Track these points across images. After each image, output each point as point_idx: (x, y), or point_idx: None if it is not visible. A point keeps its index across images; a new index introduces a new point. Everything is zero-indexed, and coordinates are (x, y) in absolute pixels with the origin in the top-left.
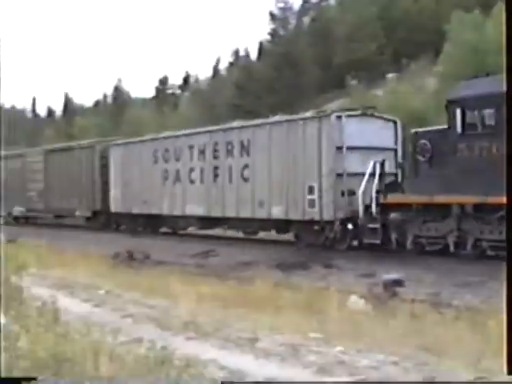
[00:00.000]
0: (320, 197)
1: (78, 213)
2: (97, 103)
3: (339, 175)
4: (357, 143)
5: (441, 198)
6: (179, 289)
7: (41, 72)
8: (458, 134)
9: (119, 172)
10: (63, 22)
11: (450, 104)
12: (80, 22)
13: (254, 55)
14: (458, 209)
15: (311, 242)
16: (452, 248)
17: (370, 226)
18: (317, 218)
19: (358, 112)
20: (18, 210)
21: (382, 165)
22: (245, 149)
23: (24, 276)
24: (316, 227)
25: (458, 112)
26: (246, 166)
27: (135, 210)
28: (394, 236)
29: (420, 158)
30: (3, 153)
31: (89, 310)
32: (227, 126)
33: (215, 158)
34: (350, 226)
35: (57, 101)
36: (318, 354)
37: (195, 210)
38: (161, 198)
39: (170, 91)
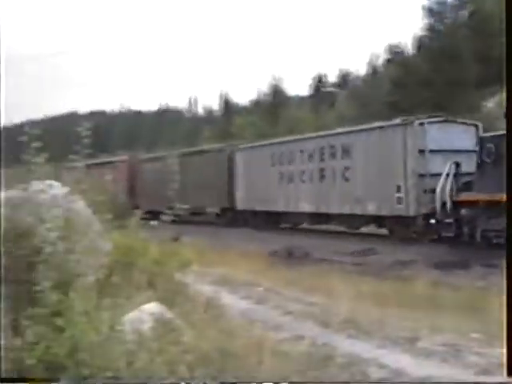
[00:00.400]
0: (406, 195)
1: (208, 209)
2: (254, 102)
3: (422, 175)
4: (438, 147)
5: (498, 196)
6: (338, 286)
7: (200, 71)
8: None
9: (243, 173)
10: (220, 21)
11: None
12: (237, 21)
13: (409, 51)
14: None
15: (401, 236)
16: None
17: (446, 220)
18: (403, 213)
19: (440, 118)
20: (181, 208)
21: (457, 166)
22: (346, 152)
23: (187, 273)
24: (403, 222)
25: None
26: (347, 167)
27: (257, 208)
28: (465, 230)
29: (487, 159)
30: (150, 155)
31: (250, 307)
32: (330, 132)
33: (321, 160)
34: (432, 221)
35: (215, 100)
36: (479, 355)
37: (306, 207)
38: (277, 196)
39: (326, 89)
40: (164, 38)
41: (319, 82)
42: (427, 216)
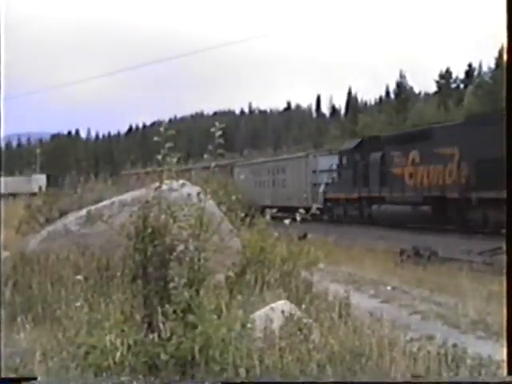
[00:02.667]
0: (307, 195)
1: None
2: (380, 99)
3: (315, 184)
4: (324, 167)
5: (340, 195)
6: (467, 286)
7: (324, 70)
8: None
9: (240, 181)
10: (343, 17)
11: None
12: (361, 18)
13: None
14: (343, 200)
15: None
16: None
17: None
18: (307, 205)
19: (325, 152)
20: (315, 207)
21: (327, 178)
22: (283, 170)
23: (314, 271)
24: (308, 211)
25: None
26: (284, 179)
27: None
28: (329, 214)
29: (339, 175)
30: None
31: (376, 306)
32: (278, 158)
33: (273, 174)
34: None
35: (340, 99)
36: None
37: (268, 202)
38: (255, 195)
39: (453, 85)
40: (290, 32)
41: (444, 78)
42: (318, 208)
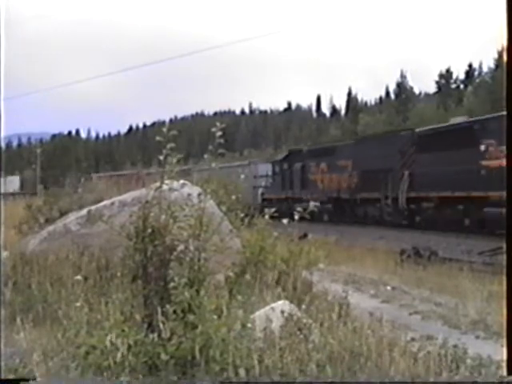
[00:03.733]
0: (249, 195)
1: None
2: (380, 100)
3: (255, 187)
4: (262, 173)
5: (273, 195)
6: (467, 287)
7: (325, 70)
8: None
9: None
10: (344, 18)
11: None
12: (362, 19)
13: None
14: (276, 200)
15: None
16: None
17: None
18: (253, 202)
19: (263, 161)
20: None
21: (265, 182)
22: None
23: (314, 271)
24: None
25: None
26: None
27: None
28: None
29: (273, 179)
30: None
31: (376, 306)
32: (228, 165)
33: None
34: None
35: (341, 99)
36: None
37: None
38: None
39: (453, 85)
40: (289, 32)
41: (445, 78)
42: (259, 205)
